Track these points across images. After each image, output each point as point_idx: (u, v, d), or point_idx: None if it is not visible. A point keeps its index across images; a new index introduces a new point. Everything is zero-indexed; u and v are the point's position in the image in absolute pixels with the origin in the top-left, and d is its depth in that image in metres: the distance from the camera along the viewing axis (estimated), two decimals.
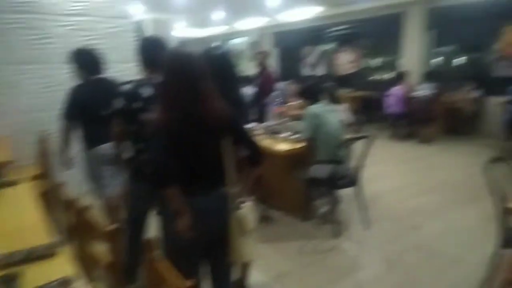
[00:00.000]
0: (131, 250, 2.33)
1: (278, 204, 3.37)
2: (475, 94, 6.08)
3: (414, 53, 7.17)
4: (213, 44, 12.52)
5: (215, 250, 1.68)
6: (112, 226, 1.51)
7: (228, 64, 1.95)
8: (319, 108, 3.03)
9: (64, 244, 1.48)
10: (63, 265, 1.29)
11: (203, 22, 10.73)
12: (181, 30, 11.12)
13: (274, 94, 4.53)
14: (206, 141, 1.51)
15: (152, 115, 1.53)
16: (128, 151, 2.23)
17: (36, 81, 3.76)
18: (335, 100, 3.76)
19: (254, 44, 10.93)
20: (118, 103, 2.09)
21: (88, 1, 3.94)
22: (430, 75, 6.58)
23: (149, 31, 6.43)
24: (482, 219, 3.18)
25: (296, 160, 3.17)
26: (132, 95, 2.06)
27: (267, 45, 10.53)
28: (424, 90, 6.17)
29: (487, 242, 2.38)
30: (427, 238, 2.94)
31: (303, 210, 3.24)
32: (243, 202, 1.64)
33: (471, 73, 6.41)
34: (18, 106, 3.68)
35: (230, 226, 1.58)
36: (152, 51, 2.13)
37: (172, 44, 6.86)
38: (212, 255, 1.72)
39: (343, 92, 7.68)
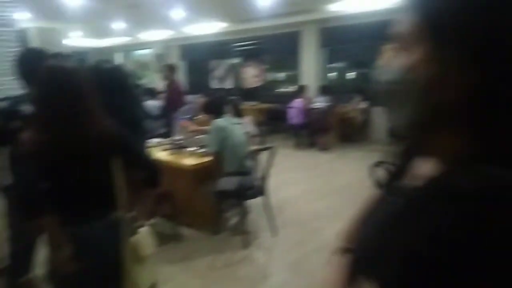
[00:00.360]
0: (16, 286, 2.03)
1: (188, 220, 3.29)
2: (363, 105, 6.87)
3: (311, 68, 7.81)
4: (104, 58, 11.84)
5: (110, 283, 1.53)
6: None
7: (120, 80, 1.84)
8: (224, 121, 3.09)
9: None
10: None
11: (103, 32, 10.09)
12: (77, 40, 10.28)
13: (183, 108, 4.46)
14: (89, 165, 1.38)
15: (25, 136, 1.35)
16: (6, 178, 1.96)
17: None
18: (238, 113, 3.86)
19: (159, 56, 10.66)
20: None
21: None
22: (325, 89, 7.23)
23: (35, 41, 5.78)
24: None
25: (203, 174, 3.16)
26: (10, 114, 1.85)
27: (173, 58, 10.37)
28: (320, 103, 6.75)
29: None
30: (329, 240, 3.18)
31: (213, 224, 3.22)
32: (140, 226, 1.55)
33: (360, 86, 7.24)
34: None
35: (122, 256, 1.45)
36: (32, 64, 1.90)
37: (61, 55, 6.27)
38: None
39: (250, 104, 7.97)
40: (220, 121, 3.08)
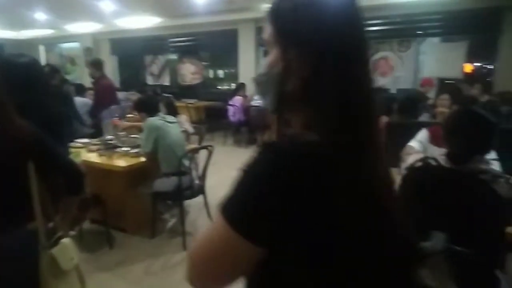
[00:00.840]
0: None
1: (121, 224, 3.11)
2: None
3: (249, 67, 7.86)
4: (56, 50, 10.86)
5: None
6: None
7: (36, 75, 1.66)
8: (158, 120, 2.96)
9: None
10: None
11: (22, 23, 9.14)
12: None
13: (114, 106, 4.19)
14: (3, 167, 1.23)
15: None
16: None
17: None
18: (173, 111, 3.74)
19: (87, 50, 9.96)
20: None
21: None
22: None
23: None
24: None
25: (137, 176, 3.01)
26: None
27: (103, 52, 9.76)
28: (259, 101, 6.83)
29: None
30: None
31: (150, 227, 3.08)
32: (62, 237, 1.42)
33: None
34: None
35: (40, 270, 1.31)
36: None
37: None
38: None
39: (188, 102, 7.80)
40: (154, 120, 2.94)
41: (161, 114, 3.09)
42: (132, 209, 3.10)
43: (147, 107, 3.05)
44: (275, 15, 0.62)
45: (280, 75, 0.60)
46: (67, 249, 1.37)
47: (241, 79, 7.68)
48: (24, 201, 1.27)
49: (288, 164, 0.54)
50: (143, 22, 8.48)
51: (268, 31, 0.63)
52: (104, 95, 4.41)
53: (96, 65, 4.55)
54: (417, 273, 0.70)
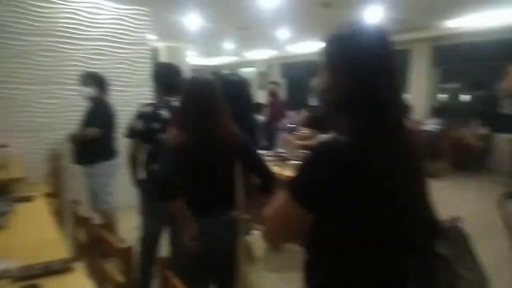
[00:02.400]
0: (144, 267, 2.33)
1: None
2: (482, 130, 6.13)
3: (421, 89, 7.30)
4: (230, 71, 12.87)
5: (221, 275, 1.64)
6: (125, 245, 1.51)
7: (244, 91, 2.01)
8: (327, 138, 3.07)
9: (78, 260, 1.48)
10: (79, 280, 1.29)
11: (214, 52, 11.05)
12: (192, 58, 11.44)
13: (284, 122, 4.60)
14: (217, 164, 1.53)
15: (167, 135, 1.58)
16: (142, 172, 2.28)
17: (50, 101, 3.85)
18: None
19: (262, 74, 11.19)
20: (138, 124, 2.18)
21: (108, 28, 4.11)
22: (437, 110, 6.66)
23: (163, 58, 6.63)
24: (496, 257, 3.11)
25: None
26: (152, 117, 2.16)
27: (275, 75, 10.78)
28: (431, 125, 6.23)
29: (504, 282, 2.32)
30: None
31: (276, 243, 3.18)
32: (253, 229, 1.64)
33: (477, 109, 6.48)
34: (31, 125, 3.75)
35: (236, 252, 1.56)
36: (167, 76, 2.31)
37: (186, 71, 7.03)
38: (218, 279, 1.69)
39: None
40: (324, 137, 3.07)
41: (332, 132, 3.19)
42: None
43: (317, 124, 3.22)
44: (326, 47, 0.88)
45: (327, 90, 0.86)
46: (258, 240, 1.58)
47: (411, 101, 7.19)
48: (231, 193, 1.55)
49: (330, 151, 0.78)
50: (310, 47, 9.02)
51: (320, 58, 0.89)
52: (277, 113, 4.89)
53: (276, 85, 5.16)
54: (435, 243, 0.89)
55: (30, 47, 3.68)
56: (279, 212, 0.87)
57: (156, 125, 2.14)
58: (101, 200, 3.08)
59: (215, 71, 9.71)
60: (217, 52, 11.04)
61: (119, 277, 1.52)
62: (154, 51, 5.53)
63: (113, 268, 1.61)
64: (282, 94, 10.24)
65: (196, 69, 4.18)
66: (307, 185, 0.81)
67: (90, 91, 3.07)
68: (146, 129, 2.16)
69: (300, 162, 0.86)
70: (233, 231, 1.57)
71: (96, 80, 3.11)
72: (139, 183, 2.34)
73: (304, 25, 6.86)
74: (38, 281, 1.18)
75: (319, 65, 0.90)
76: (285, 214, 0.85)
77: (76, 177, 3.24)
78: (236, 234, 1.56)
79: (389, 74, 0.83)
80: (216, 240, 1.55)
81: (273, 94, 5.15)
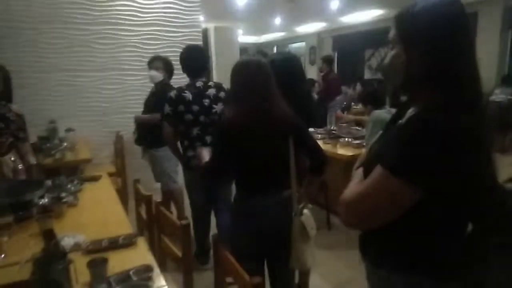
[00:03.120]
0: (199, 236, 2.57)
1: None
2: None
3: (490, 55, 6.60)
4: (279, 49, 12.73)
5: (275, 253, 1.66)
6: (183, 222, 1.59)
7: (294, 69, 1.97)
8: (384, 113, 2.92)
9: (140, 235, 1.60)
10: (142, 254, 1.40)
11: (262, 28, 10.90)
12: (240, 37, 11.41)
13: (338, 98, 4.45)
14: (270, 142, 1.53)
15: (221, 116, 1.62)
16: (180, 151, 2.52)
17: (112, 86, 4.10)
18: (396, 104, 3.59)
19: (312, 49, 10.86)
20: (166, 108, 2.38)
21: (160, 12, 4.22)
22: (509, 79, 6.00)
23: (213, 39, 6.70)
24: None
25: None
26: (176, 100, 2.34)
27: (326, 49, 10.40)
28: (501, 95, 5.65)
29: None
30: None
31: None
32: (305, 207, 1.63)
33: None
34: (95, 110, 4.04)
35: (291, 231, 1.57)
36: (192, 59, 2.46)
37: (236, 50, 7.01)
38: (272, 258, 1.72)
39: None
40: (380, 113, 2.92)
41: (387, 107, 3.03)
42: None
43: (373, 99, 3.07)
44: (398, 21, 0.87)
45: (404, 65, 0.83)
46: (310, 219, 1.58)
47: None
48: (284, 173, 1.55)
49: (438, 124, 0.75)
50: (365, 16, 8.50)
51: (392, 33, 0.88)
52: (331, 89, 4.74)
53: (327, 61, 4.96)
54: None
55: (90, 36, 3.91)
56: (369, 193, 0.81)
57: (181, 107, 2.33)
58: (169, 181, 3.11)
59: (262, 50, 9.61)
60: (265, 29, 10.86)
61: (178, 252, 1.63)
62: (204, 32, 5.58)
63: (172, 243, 1.72)
64: (335, 68, 9.91)
65: (246, 50, 4.21)
66: (416, 160, 0.75)
67: (157, 75, 3.05)
68: (173, 112, 2.35)
69: (391, 137, 0.85)
70: (287, 210, 1.58)
71: (164, 64, 3.09)
72: (182, 160, 2.54)
73: None
74: (105, 254, 1.29)
75: (388, 40, 0.89)
76: (379, 195, 0.80)
77: (139, 157, 3.42)
78: (290, 213, 1.57)
79: (469, 47, 0.82)
80: (270, 218, 1.57)
81: (325, 69, 4.99)
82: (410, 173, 0.75)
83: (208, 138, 2.38)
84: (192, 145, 2.39)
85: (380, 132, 1.07)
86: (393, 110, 3.06)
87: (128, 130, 3.83)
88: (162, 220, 1.78)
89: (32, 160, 2.31)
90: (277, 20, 9.19)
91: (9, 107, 2.31)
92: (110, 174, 2.78)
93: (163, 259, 1.79)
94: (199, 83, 2.40)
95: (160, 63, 3.07)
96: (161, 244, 1.78)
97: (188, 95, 2.34)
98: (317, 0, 6.79)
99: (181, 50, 2.54)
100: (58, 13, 3.73)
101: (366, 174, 0.87)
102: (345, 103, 4.36)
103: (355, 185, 0.89)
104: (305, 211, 1.61)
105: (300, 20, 9.56)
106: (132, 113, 3.66)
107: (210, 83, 2.45)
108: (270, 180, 1.56)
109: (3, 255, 1.37)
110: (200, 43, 4.49)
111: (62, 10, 3.74)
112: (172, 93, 2.38)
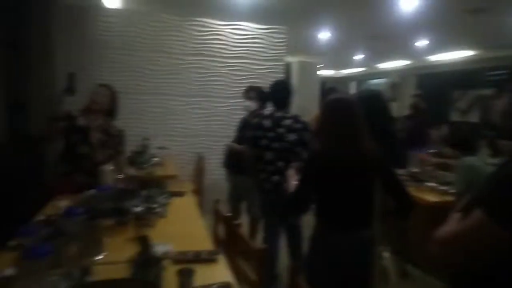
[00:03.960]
0: (269, 259, 2.59)
1: (419, 260, 3.06)
2: None
3: None
4: (365, 86, 12.63)
5: None
6: (259, 246, 1.64)
7: (380, 107, 1.97)
8: (477, 161, 2.69)
9: (220, 253, 1.68)
10: (222, 271, 1.47)
11: (342, 63, 10.94)
12: (321, 71, 11.55)
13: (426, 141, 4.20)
14: (355, 179, 1.53)
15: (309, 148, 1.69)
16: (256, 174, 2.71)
17: (198, 111, 4.45)
18: (496, 152, 3.28)
19: (394, 86, 10.54)
20: (247, 133, 2.73)
21: (248, 46, 4.53)
22: None
23: (295, 72, 6.93)
24: None
25: (443, 214, 2.86)
26: (257, 126, 2.63)
27: (409, 87, 10.01)
28: None
29: None
30: None
31: (448, 271, 2.85)
32: (384, 251, 1.57)
33: None
34: (182, 131, 4.40)
35: (371, 274, 1.51)
36: (279, 92, 2.68)
37: (317, 84, 7.12)
38: None
39: (507, 144, 6.62)
40: (472, 160, 2.69)
41: (482, 154, 2.80)
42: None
43: (463, 143, 2.86)
44: None
45: None
46: (391, 264, 1.52)
47: None
48: (368, 211, 1.52)
49: None
50: (454, 56, 8.08)
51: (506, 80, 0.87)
52: (418, 129, 4.53)
53: (421, 99, 4.83)
54: None
55: (186, 65, 4.34)
56: (465, 233, 0.81)
57: (259, 133, 2.57)
58: (251, 209, 3.23)
59: (334, 87, 9.60)
60: (346, 63, 10.89)
61: (253, 275, 1.67)
62: (287, 66, 5.82)
63: (246, 266, 1.77)
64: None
65: (333, 88, 4.30)
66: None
67: (251, 105, 3.17)
68: (252, 136, 2.62)
69: (493, 180, 0.84)
70: (366, 251, 1.53)
71: (257, 94, 3.19)
72: (256, 183, 2.72)
73: (447, 33, 6.22)
74: (190, 266, 1.39)
75: (480, 83, 0.92)
76: (476, 237, 0.79)
77: (215, 178, 3.63)
78: (370, 255, 1.52)
79: None
80: (346, 257, 1.54)
81: (415, 107, 4.83)
82: (504, 218, 0.74)
83: (280, 163, 2.54)
84: (264, 169, 2.60)
85: (483, 181, 1.02)
86: (489, 159, 2.83)
87: (209, 152, 4.09)
88: (239, 242, 1.85)
89: (131, 171, 2.60)
90: (359, 56, 9.18)
91: (112, 123, 2.65)
92: (194, 191, 2.99)
93: (237, 279, 1.84)
94: (278, 113, 2.62)
95: (253, 93, 3.20)
96: (235, 265, 1.84)
97: (267, 122, 2.58)
98: (404, 38, 6.67)
99: (263, 82, 2.81)
100: (163, 44, 4.23)
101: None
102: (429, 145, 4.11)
103: (452, 224, 0.88)
104: (386, 254, 1.56)
105: (383, 56, 9.42)
106: (214, 136, 3.92)
107: (288, 115, 2.64)
108: (352, 217, 1.54)
109: (104, 254, 1.55)
110: (281, 75, 4.70)
111: (166, 41, 4.24)
112: (255, 120, 2.69)
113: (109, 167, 2.55)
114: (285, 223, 2.70)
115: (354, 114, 1.54)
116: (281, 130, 2.56)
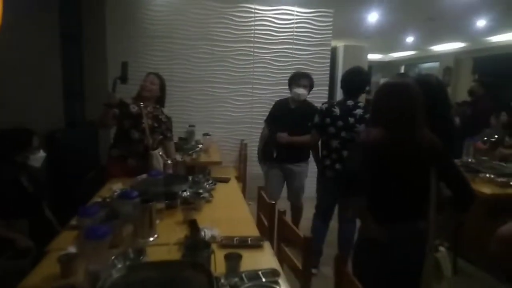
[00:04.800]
0: (318, 237, 2.76)
1: (474, 256, 2.89)
2: None
3: None
4: (415, 70, 12.03)
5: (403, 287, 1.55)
6: (306, 235, 1.62)
7: (441, 91, 1.85)
8: None
9: (265, 240, 1.69)
10: (268, 257, 1.48)
11: (392, 46, 10.41)
12: (369, 55, 11.09)
13: (488, 131, 3.90)
14: (410, 168, 1.46)
15: (363, 133, 1.65)
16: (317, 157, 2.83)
17: (243, 98, 4.47)
18: None
19: (447, 70, 9.87)
20: (316, 119, 2.70)
21: (293, 31, 4.44)
22: None
23: (342, 57, 6.71)
24: None
25: (501, 207, 2.67)
26: (325, 113, 2.63)
27: (463, 71, 9.34)
28: None
29: None
30: None
31: (507, 268, 2.67)
32: (441, 245, 1.49)
33: None
34: (226, 118, 4.45)
35: (424, 267, 1.44)
36: (351, 81, 2.64)
37: (365, 68, 6.88)
38: None
39: None
40: None
41: None
42: (488, 242, 2.80)
43: None
44: None
45: None
46: (446, 258, 1.44)
47: None
48: (421, 201, 1.45)
49: None
50: None
51: None
52: (479, 117, 4.23)
53: (483, 84, 4.49)
54: None
55: (230, 52, 4.35)
56: None
57: (328, 120, 2.59)
58: (302, 196, 3.20)
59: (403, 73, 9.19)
60: (394, 46, 10.34)
61: (297, 262, 1.67)
62: (333, 51, 5.64)
63: (290, 252, 1.77)
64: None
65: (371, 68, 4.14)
66: None
67: (305, 93, 3.02)
68: (320, 123, 2.64)
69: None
70: (421, 244, 1.46)
71: (309, 82, 3.06)
72: (319, 164, 2.79)
73: (506, 12, 5.65)
74: (237, 251, 1.41)
75: None
76: None
77: (258, 166, 3.63)
78: (424, 248, 1.45)
79: None
80: (403, 251, 1.47)
81: (475, 93, 4.50)
82: None
83: (345, 152, 2.56)
84: (329, 156, 2.64)
85: None
86: None
87: (251, 140, 4.11)
88: (284, 230, 1.85)
89: (178, 157, 2.69)
90: (410, 39, 8.67)
91: (161, 110, 2.73)
92: (237, 178, 3.03)
93: (281, 266, 1.85)
94: (350, 102, 2.60)
95: (307, 81, 3.03)
96: (281, 253, 1.85)
97: (337, 110, 2.58)
98: (459, 18, 6.18)
99: (308, 68, 2.76)
100: (207, 31, 4.27)
101: None
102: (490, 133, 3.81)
103: None
104: (441, 248, 1.48)
105: (436, 39, 8.82)
106: (256, 123, 3.93)
107: (360, 104, 2.61)
108: (404, 206, 1.48)
109: (156, 235, 1.63)
110: (328, 61, 4.56)
111: (210, 29, 4.27)
112: (324, 106, 2.69)
113: (158, 151, 2.65)
114: (341, 209, 2.74)
115: (411, 100, 1.45)
116: (351, 119, 2.55)
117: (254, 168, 3.82)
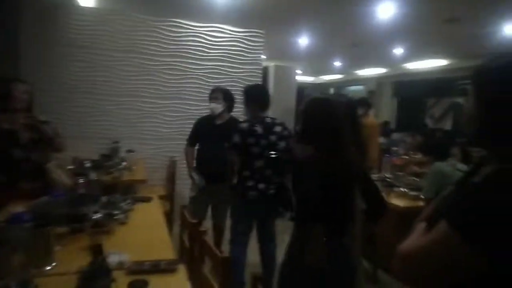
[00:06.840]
0: (239, 266, 2.55)
1: (387, 265, 3.04)
2: None
3: None
4: (335, 92, 12.76)
5: None
6: (224, 255, 1.56)
7: (355, 112, 1.95)
8: (448, 166, 2.72)
9: (181, 263, 1.59)
10: (181, 282, 1.38)
11: (320, 69, 11.06)
12: (298, 77, 11.64)
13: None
14: (338, 185, 1.49)
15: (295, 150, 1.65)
16: (235, 178, 2.59)
17: (173, 114, 4.33)
18: (467, 159, 3.33)
19: (370, 93, 10.72)
20: (236, 138, 2.50)
21: (226, 49, 4.46)
22: None
23: (272, 77, 6.91)
24: None
25: (412, 220, 2.86)
26: (248, 132, 2.48)
27: (385, 94, 10.22)
28: None
29: None
30: None
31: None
32: (358, 256, 1.53)
33: None
34: (154, 134, 4.26)
35: (358, 275, 1.48)
36: (259, 95, 2.60)
37: (294, 89, 7.10)
38: None
39: (477, 151, 6.80)
40: (442, 165, 2.72)
41: (452, 160, 2.82)
42: None
43: (436, 150, 2.89)
44: (475, 75, 0.90)
45: (478, 118, 0.83)
46: (361, 267, 1.48)
47: None
48: (349, 217, 1.48)
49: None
50: (429, 64, 8.29)
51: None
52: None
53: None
54: None
55: (160, 67, 4.21)
56: (430, 248, 0.73)
57: (251, 140, 2.46)
58: (221, 217, 3.07)
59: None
60: (324, 70, 11.01)
61: (215, 285, 1.58)
62: (264, 70, 5.77)
63: (210, 274, 1.69)
64: (391, 114, 9.61)
65: (302, 90, 4.25)
66: (482, 219, 0.66)
67: (217, 106, 3.01)
68: (242, 143, 2.47)
69: (465, 191, 0.79)
70: (346, 257, 1.49)
71: (223, 95, 3.04)
72: (233, 187, 2.60)
73: (424, 42, 6.35)
74: (146, 277, 1.29)
75: (453, 91, 0.87)
76: (438, 252, 0.71)
77: (188, 183, 3.50)
78: (349, 261, 1.48)
79: None
80: (338, 261, 1.50)
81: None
82: (474, 231, 0.66)
83: (268, 172, 2.48)
84: (252, 176, 2.50)
85: (450, 187, 0.96)
86: (459, 165, 2.85)
87: (181, 157, 3.98)
88: (204, 250, 1.76)
89: (92, 175, 2.46)
90: (337, 63, 9.29)
91: (36, 117, 2.43)
92: (160, 197, 2.87)
93: None
94: (268, 119, 2.56)
95: (219, 94, 3.03)
96: (200, 275, 1.75)
97: (259, 129, 2.49)
98: (381, 46, 6.77)
99: (241, 86, 2.67)
100: (135, 44, 4.09)
101: (429, 229, 0.79)
102: (399, 150, 4.15)
103: (417, 237, 0.80)
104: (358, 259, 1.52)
105: (360, 64, 9.57)
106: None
107: (277, 121, 2.59)
108: (339, 222, 1.50)
109: (54, 264, 1.44)
110: (260, 79, 4.65)
111: (138, 42, 4.10)
112: (244, 125, 2.52)
113: (53, 165, 2.39)
114: (262, 229, 2.64)
115: (338, 118, 1.50)
116: (273, 137, 2.50)
117: (185, 186, 3.67)
